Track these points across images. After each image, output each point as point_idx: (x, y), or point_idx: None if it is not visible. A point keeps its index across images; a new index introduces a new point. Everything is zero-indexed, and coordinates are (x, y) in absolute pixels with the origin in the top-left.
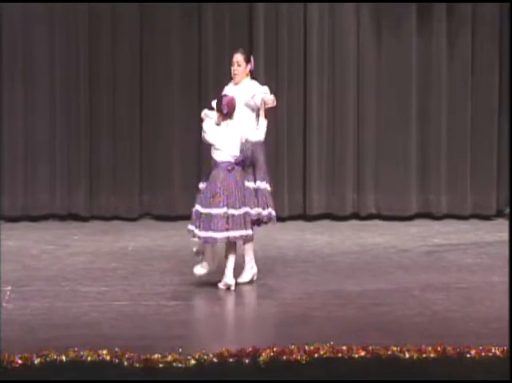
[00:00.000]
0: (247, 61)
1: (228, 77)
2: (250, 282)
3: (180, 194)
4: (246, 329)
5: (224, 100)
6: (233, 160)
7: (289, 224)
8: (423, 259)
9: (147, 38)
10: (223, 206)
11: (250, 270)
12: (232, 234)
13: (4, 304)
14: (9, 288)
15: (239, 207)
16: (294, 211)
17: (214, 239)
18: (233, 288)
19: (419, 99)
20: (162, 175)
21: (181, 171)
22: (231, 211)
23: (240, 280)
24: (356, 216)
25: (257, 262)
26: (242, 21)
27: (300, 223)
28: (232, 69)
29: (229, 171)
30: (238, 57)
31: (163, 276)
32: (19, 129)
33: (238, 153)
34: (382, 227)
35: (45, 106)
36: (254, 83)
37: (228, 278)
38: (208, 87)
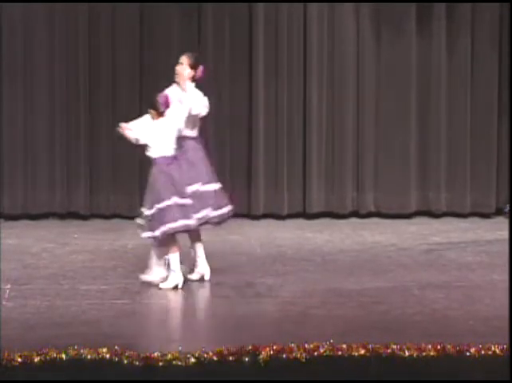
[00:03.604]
0: (192, 66)
1: (227, 77)
2: (201, 280)
3: None
4: (245, 327)
5: (160, 98)
6: (169, 156)
7: (289, 222)
8: (422, 257)
9: (147, 38)
10: (174, 196)
11: (201, 268)
12: (187, 222)
13: (4, 302)
14: (9, 286)
15: (185, 198)
16: (294, 209)
17: (174, 229)
18: (180, 285)
19: (419, 98)
20: None
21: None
22: (181, 201)
23: (191, 277)
24: (355, 214)
25: (257, 260)
26: (241, 21)
27: (299, 222)
28: (176, 68)
29: (167, 165)
30: (183, 59)
31: None
32: (19, 128)
33: (174, 148)
34: (382, 225)
35: (45, 105)
36: (195, 91)
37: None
38: (208, 86)
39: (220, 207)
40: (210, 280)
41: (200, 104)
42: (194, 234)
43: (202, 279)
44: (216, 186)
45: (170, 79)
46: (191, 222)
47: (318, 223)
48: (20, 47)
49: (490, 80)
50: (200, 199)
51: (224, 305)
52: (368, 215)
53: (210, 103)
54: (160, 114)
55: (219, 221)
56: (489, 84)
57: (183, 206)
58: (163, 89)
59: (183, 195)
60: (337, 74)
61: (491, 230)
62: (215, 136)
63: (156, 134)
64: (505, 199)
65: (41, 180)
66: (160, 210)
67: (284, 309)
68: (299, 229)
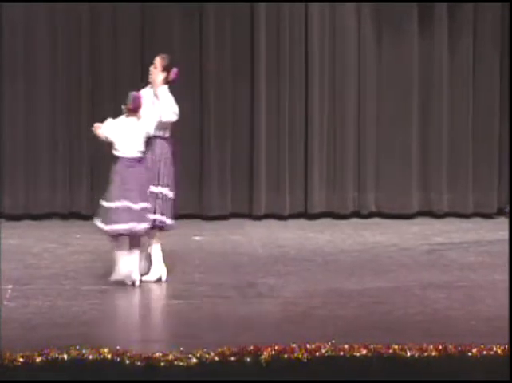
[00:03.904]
0: (165, 68)
1: (229, 77)
2: (157, 281)
3: (182, 193)
4: (247, 327)
5: (131, 96)
6: (135, 156)
7: (291, 223)
8: (424, 258)
9: (149, 38)
10: (124, 199)
11: (157, 270)
12: (133, 226)
13: (5, 302)
14: (11, 286)
15: (137, 203)
16: (295, 209)
17: (117, 231)
18: (137, 283)
19: (421, 98)
20: None
21: (183, 170)
22: (130, 205)
23: (146, 278)
24: (357, 215)
25: (258, 260)
26: (243, 21)
27: (301, 222)
28: (150, 68)
29: (130, 166)
30: (157, 60)
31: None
32: (20, 128)
33: (141, 150)
34: (383, 225)
35: (47, 105)
36: (166, 97)
37: (127, 272)
38: (209, 86)
39: (164, 214)
40: (166, 280)
41: (170, 112)
42: (150, 235)
43: (159, 280)
44: (169, 192)
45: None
46: (134, 226)
47: (320, 224)
48: (21, 47)
49: (491, 81)
50: (154, 202)
51: (226, 305)
52: (370, 215)
53: (212, 102)
54: (131, 111)
55: (162, 227)
56: (491, 85)
57: (130, 210)
58: (139, 89)
59: (135, 200)
60: (339, 74)
61: (493, 230)
62: (217, 136)
63: (124, 134)
64: (506, 200)
65: (43, 180)
66: (110, 208)
67: (285, 310)
68: (300, 229)
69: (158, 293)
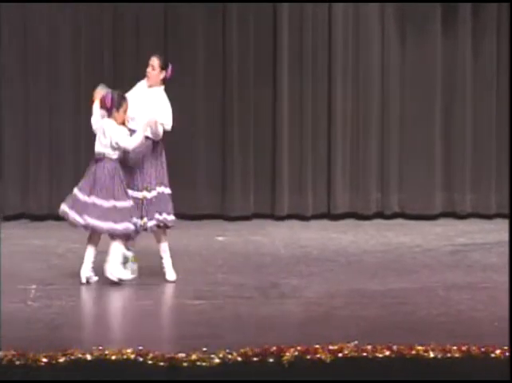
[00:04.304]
0: (163, 67)
1: (252, 77)
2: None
3: (204, 193)
4: (269, 328)
5: (104, 96)
6: (104, 153)
7: (314, 223)
8: (447, 259)
9: (172, 38)
10: (90, 194)
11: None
12: (95, 222)
13: (29, 302)
14: (34, 287)
15: (104, 199)
16: (318, 210)
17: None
18: (83, 281)
19: (444, 99)
20: (185, 174)
21: (204, 169)
22: (96, 200)
23: (169, 278)
24: (380, 215)
25: (280, 260)
26: (266, 21)
27: (324, 222)
28: (147, 70)
29: (99, 162)
30: (154, 61)
31: (187, 275)
32: (44, 129)
33: (107, 150)
34: (406, 226)
35: (70, 106)
36: (163, 101)
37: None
38: (232, 86)
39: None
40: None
41: (171, 118)
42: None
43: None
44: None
45: (194, 78)
46: (92, 222)
47: (342, 224)
48: (44, 47)
49: None
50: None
51: (248, 305)
52: (393, 215)
53: (235, 102)
54: (104, 110)
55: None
56: None
57: (95, 205)
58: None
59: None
60: (362, 75)
61: None
62: (239, 136)
63: (101, 132)
64: None
65: (67, 181)
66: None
67: (308, 310)
68: (323, 230)
69: (181, 293)
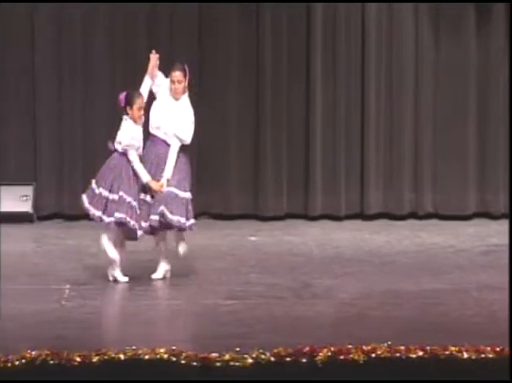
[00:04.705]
0: (185, 75)
1: (285, 77)
2: (163, 278)
3: (237, 193)
4: (303, 328)
5: (120, 95)
6: (119, 150)
7: (347, 223)
8: (481, 259)
9: (206, 38)
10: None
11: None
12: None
13: (63, 302)
14: (68, 286)
15: (113, 192)
16: (351, 210)
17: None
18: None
19: (478, 99)
20: (218, 174)
21: (237, 169)
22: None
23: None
24: (413, 215)
25: (313, 261)
26: (299, 20)
27: (357, 223)
28: (173, 87)
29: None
30: (179, 75)
31: (219, 275)
32: (79, 130)
33: (120, 148)
34: (440, 226)
35: (104, 107)
36: (186, 115)
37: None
38: (265, 86)
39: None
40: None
41: (190, 134)
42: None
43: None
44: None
45: (228, 78)
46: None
47: (376, 225)
48: (80, 48)
49: None
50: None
51: (281, 305)
52: (427, 216)
53: (268, 103)
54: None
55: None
56: None
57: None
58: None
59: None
60: (395, 75)
61: None
62: (272, 136)
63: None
64: None
65: None
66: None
67: (341, 311)
68: (356, 230)
69: (213, 293)
